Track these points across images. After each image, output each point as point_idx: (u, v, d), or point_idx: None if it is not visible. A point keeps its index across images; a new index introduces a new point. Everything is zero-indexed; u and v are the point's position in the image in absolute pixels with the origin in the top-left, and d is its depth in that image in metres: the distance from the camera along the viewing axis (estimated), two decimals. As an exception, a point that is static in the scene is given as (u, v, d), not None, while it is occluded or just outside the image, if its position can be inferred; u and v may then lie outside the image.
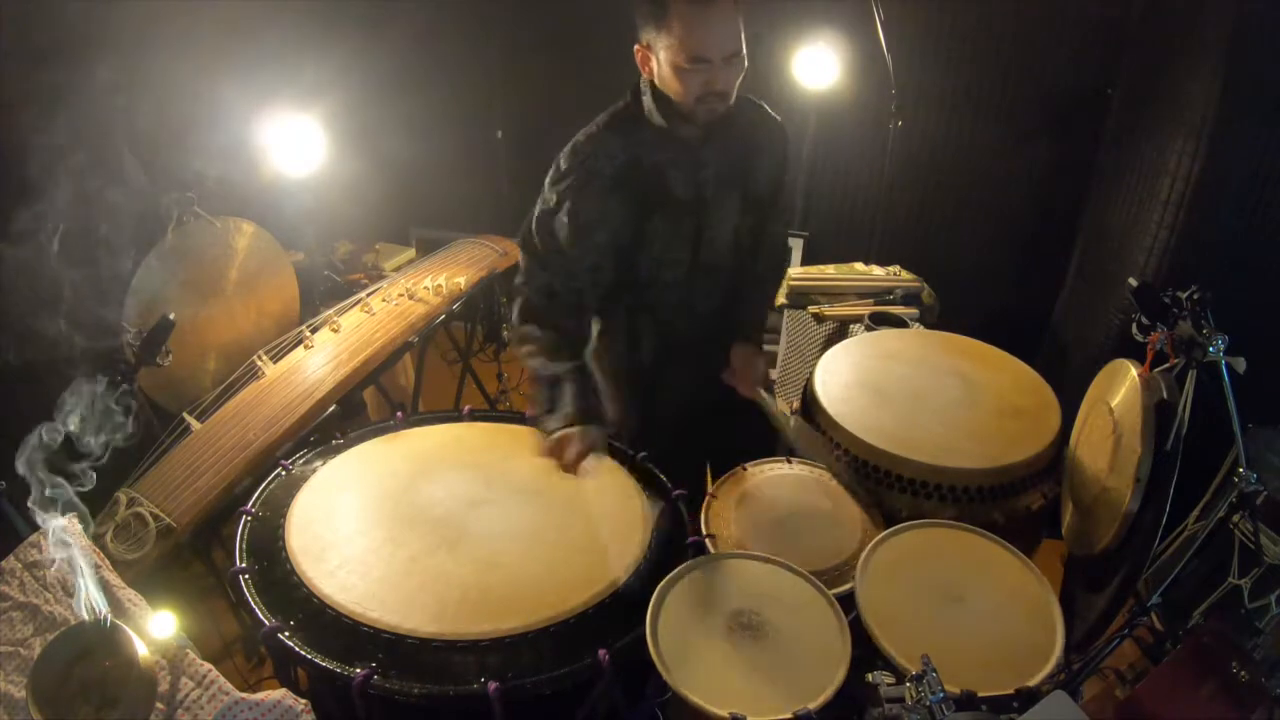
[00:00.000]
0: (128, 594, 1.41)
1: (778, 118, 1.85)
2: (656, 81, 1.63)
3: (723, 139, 1.71)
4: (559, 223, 1.68)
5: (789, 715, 1.24)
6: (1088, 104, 2.99)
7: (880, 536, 1.61)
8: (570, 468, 1.65)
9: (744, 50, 1.58)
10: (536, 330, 1.72)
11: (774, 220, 1.95)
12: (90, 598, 1.31)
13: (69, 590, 1.43)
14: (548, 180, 1.71)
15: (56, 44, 2.20)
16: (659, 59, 1.58)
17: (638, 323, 1.85)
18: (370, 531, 1.60)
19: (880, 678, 1.26)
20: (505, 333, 3.28)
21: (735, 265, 1.85)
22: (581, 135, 1.71)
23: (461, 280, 2.74)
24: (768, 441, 2.04)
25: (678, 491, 1.76)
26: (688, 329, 1.86)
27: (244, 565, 1.53)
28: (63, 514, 1.40)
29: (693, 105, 1.60)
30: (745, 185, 1.80)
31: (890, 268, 3.04)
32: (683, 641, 1.37)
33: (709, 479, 2.10)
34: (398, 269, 3.12)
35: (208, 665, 1.35)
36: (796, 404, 2.10)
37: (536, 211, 1.73)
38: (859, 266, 3.09)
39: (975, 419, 1.91)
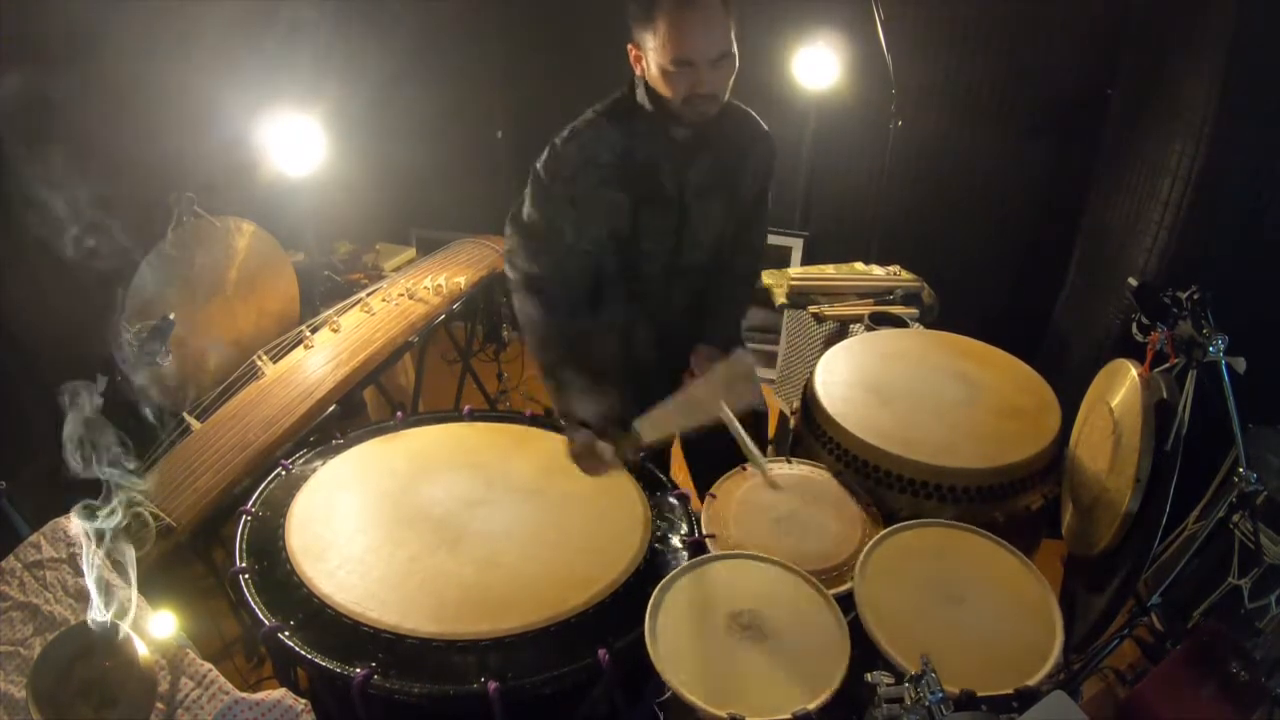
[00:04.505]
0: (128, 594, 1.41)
1: (765, 128, 1.85)
2: (649, 81, 1.63)
3: (713, 141, 1.71)
4: (556, 206, 1.66)
5: (788, 715, 1.24)
6: (1088, 104, 2.99)
7: (879, 536, 1.61)
8: (592, 473, 1.62)
9: (734, 50, 1.57)
10: (537, 314, 1.68)
11: (755, 227, 1.95)
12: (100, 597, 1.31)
13: (69, 590, 1.43)
14: (542, 163, 1.68)
15: (56, 44, 2.20)
16: (648, 60, 1.58)
17: (630, 317, 1.85)
18: (370, 531, 1.61)
19: (879, 678, 1.25)
20: (505, 333, 3.28)
21: (714, 266, 1.85)
22: (579, 122, 1.70)
23: (461, 280, 2.74)
24: (764, 442, 2.03)
25: (677, 492, 1.76)
26: (668, 324, 1.87)
27: (244, 565, 1.53)
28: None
29: (681, 107, 1.60)
30: (732, 190, 1.80)
31: (890, 268, 3.04)
32: (682, 641, 1.37)
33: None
34: (398, 269, 3.12)
35: (208, 665, 1.35)
36: (796, 404, 2.10)
37: (529, 192, 1.70)
38: (859, 266, 3.09)
39: (975, 419, 1.90)
